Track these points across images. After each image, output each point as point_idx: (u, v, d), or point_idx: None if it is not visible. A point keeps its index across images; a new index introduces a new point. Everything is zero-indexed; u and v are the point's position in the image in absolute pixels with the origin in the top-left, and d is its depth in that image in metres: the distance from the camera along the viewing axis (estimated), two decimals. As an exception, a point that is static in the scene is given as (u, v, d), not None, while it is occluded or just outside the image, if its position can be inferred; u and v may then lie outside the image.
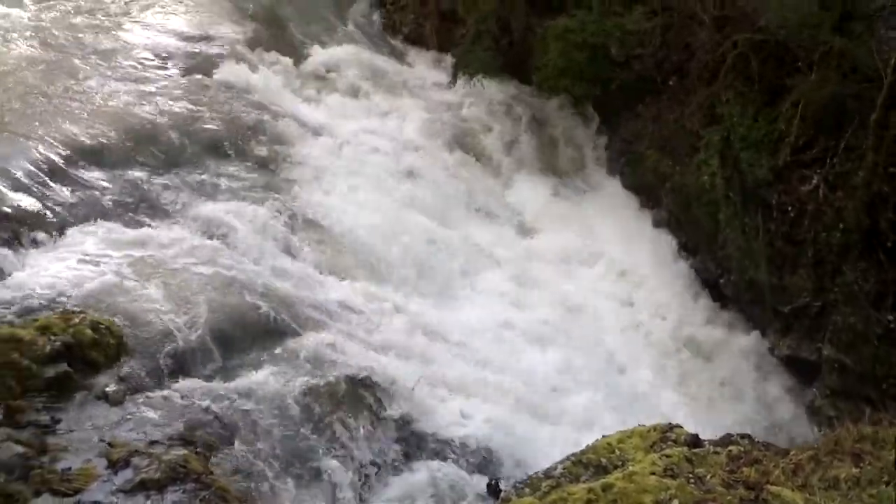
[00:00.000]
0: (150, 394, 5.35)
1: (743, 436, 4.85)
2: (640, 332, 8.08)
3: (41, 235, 6.73)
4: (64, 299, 5.92)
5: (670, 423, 4.87)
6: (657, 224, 9.40)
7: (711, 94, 8.90)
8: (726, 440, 4.74)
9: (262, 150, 9.07)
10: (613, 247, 9.06)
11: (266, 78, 10.96)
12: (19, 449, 4.62)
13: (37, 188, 7.28)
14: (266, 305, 6.38)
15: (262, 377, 5.72)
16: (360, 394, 5.76)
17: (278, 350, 6.06)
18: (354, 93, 11.41)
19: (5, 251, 6.33)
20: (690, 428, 4.85)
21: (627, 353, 7.71)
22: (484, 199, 9.75)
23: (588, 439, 4.88)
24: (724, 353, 7.95)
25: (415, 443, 5.72)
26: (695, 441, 4.62)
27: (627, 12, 9.90)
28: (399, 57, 12.62)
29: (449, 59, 11.93)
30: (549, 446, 5.77)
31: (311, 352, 6.03)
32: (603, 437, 4.76)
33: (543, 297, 8.09)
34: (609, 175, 10.36)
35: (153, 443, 4.88)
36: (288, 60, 11.78)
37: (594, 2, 10.09)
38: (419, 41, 12.96)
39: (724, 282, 8.58)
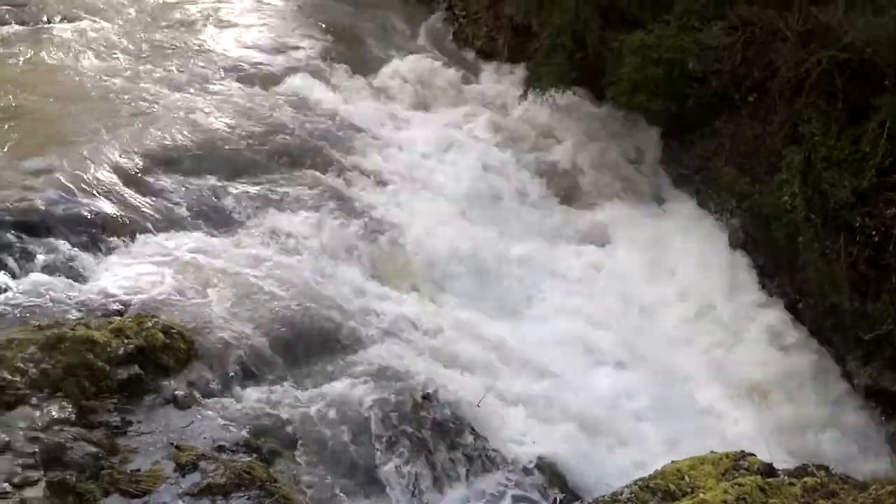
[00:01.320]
0: (217, 399, 5.50)
1: (819, 467, 4.72)
2: (713, 356, 7.91)
3: (117, 240, 7.01)
4: (137, 303, 6.14)
5: (743, 451, 4.77)
6: (733, 244, 9.20)
7: (793, 111, 8.71)
8: (802, 471, 4.62)
9: (331, 162, 9.23)
10: (686, 266, 8.90)
11: (337, 90, 11.20)
12: (91, 449, 4.80)
13: (113, 194, 7.59)
14: (331, 316, 6.50)
15: (326, 387, 5.81)
16: (424, 407, 5.78)
17: (342, 360, 6.15)
18: (425, 105, 11.55)
19: (84, 255, 6.62)
20: (764, 457, 4.74)
21: (699, 377, 7.56)
22: (553, 214, 9.72)
23: (656, 464, 4.81)
24: (800, 380, 7.72)
25: (477, 458, 5.71)
26: (769, 470, 4.52)
27: (706, 27, 9.77)
28: (471, 70, 12.71)
29: (521, 73, 11.94)
30: (615, 469, 5.71)
31: (374, 363, 6.09)
32: (672, 462, 4.69)
33: (613, 316, 8.00)
34: (683, 193, 10.20)
35: (219, 448, 5.02)
36: (360, 73, 12.01)
37: (672, 16, 9.98)
38: (491, 54, 13.02)
39: (802, 306, 8.36)
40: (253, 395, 5.58)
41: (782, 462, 4.87)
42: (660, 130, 10.64)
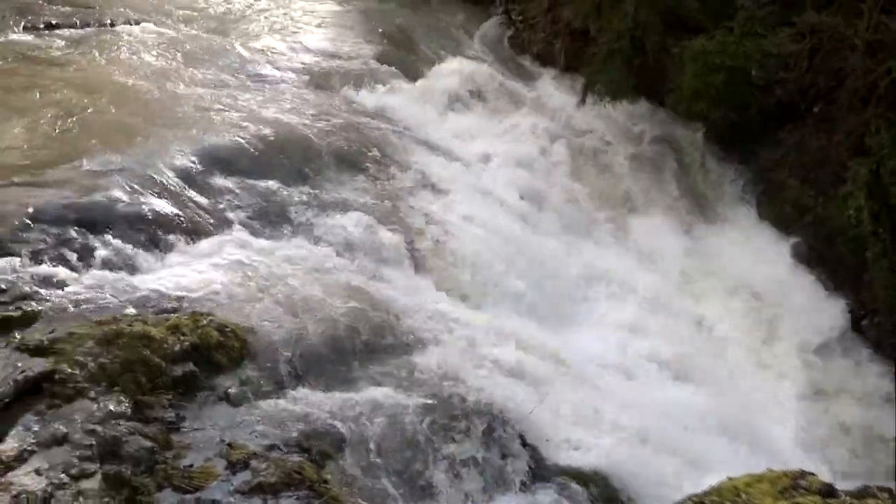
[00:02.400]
0: (269, 399, 5.57)
1: (882, 489, 4.59)
2: (775, 371, 7.77)
3: (174, 239, 7.14)
4: (192, 301, 6.24)
5: (802, 470, 4.66)
6: (796, 258, 9.04)
7: (861, 122, 8.53)
8: (864, 492, 4.50)
9: (385, 166, 9.32)
10: (747, 279, 8.77)
11: (393, 95, 11.30)
12: (146, 443, 4.90)
13: (172, 193, 7.74)
14: (383, 319, 6.55)
15: (376, 390, 5.85)
16: (475, 414, 5.78)
17: (393, 364, 6.19)
18: (480, 111, 11.59)
19: (142, 252, 6.76)
20: (825, 476, 4.64)
21: (760, 392, 7.43)
22: (609, 223, 9.67)
23: (711, 480, 4.74)
24: (865, 398, 7.54)
25: (529, 469, 5.69)
26: (829, 491, 4.42)
27: (771, 34, 9.64)
28: (527, 75, 12.72)
29: (578, 79, 11.91)
30: (669, 484, 5.63)
31: (426, 368, 6.12)
32: (728, 478, 4.61)
33: (670, 329, 7.92)
34: (744, 204, 10.05)
35: (271, 447, 5.08)
36: (416, 78, 12.13)
37: (735, 22, 9.85)
38: (548, 60, 13.02)
39: (867, 323, 8.18)
40: (304, 396, 5.64)
41: (843, 483, 4.75)
42: (720, 139, 10.49)
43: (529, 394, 6.25)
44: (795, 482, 4.52)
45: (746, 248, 9.19)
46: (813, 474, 4.63)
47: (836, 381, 7.64)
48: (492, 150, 10.31)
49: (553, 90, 12.18)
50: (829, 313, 8.40)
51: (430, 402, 5.78)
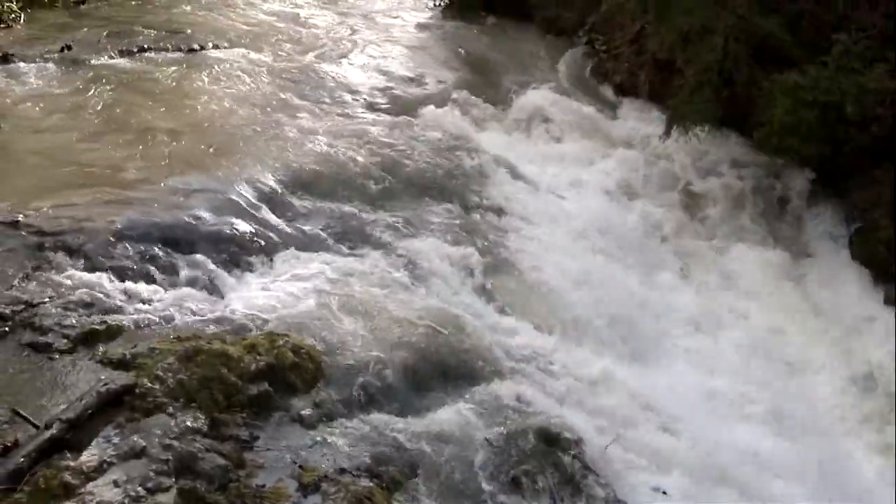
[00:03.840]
0: (341, 422, 5.65)
1: None
2: (866, 423, 7.48)
3: (254, 259, 7.37)
4: (269, 321, 6.41)
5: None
6: (890, 303, 8.72)
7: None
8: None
9: (463, 192, 9.40)
10: (837, 322, 8.49)
11: (471, 121, 11.43)
12: (221, 461, 5.03)
13: (253, 215, 7.99)
14: (458, 345, 6.57)
15: (450, 418, 5.86)
16: (547, 447, 5.72)
17: (467, 392, 6.19)
18: (559, 140, 11.60)
19: (222, 272, 6.99)
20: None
21: (849, 443, 7.16)
22: (692, 258, 9.52)
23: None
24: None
25: (603, 507, 5.63)
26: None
27: (868, 69, 9.40)
28: (609, 106, 12.68)
29: (663, 110, 11.80)
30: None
31: (499, 398, 6.11)
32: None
33: (754, 369, 7.71)
34: (834, 244, 9.76)
35: (342, 471, 5.15)
36: (495, 104, 12.23)
37: (830, 57, 9.65)
38: (631, 91, 12.94)
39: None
40: (376, 421, 5.70)
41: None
42: (811, 176, 10.25)
43: (606, 429, 6.17)
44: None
45: (837, 290, 8.90)
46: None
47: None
48: (572, 179, 10.29)
49: (636, 121, 12.08)
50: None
51: (503, 431, 5.76)
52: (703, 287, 9.10)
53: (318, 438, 5.44)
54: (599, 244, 9.02)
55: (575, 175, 10.41)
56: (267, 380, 5.74)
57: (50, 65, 11.31)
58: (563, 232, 9.08)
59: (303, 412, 5.63)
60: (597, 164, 10.79)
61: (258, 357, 5.85)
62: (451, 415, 5.89)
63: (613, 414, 6.46)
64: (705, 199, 10.32)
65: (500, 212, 9.19)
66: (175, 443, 5.01)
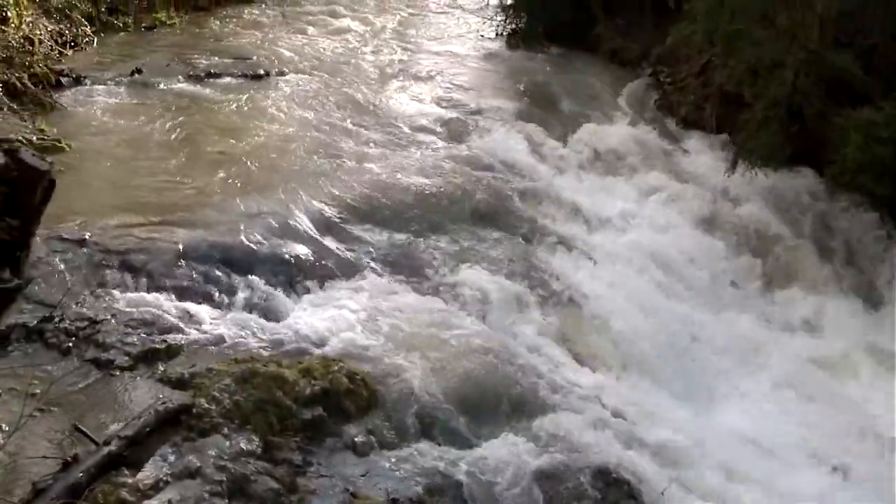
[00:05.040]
0: (393, 451, 5.69)
1: None
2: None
3: (311, 284, 7.50)
4: (325, 346, 6.51)
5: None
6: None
7: None
8: None
9: (520, 224, 9.40)
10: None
11: (530, 152, 11.42)
12: (273, 484, 5.12)
13: (311, 240, 8.14)
14: (513, 378, 6.57)
15: (502, 451, 5.84)
16: (602, 487, 5.67)
17: (521, 426, 6.17)
18: (621, 173, 11.53)
19: (280, 295, 7.14)
20: None
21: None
22: (756, 297, 9.36)
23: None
24: None
25: (659, 551, 5.54)
26: None
27: (946, 107, 9.21)
28: (673, 139, 12.59)
29: (729, 145, 11.69)
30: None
31: (553, 432, 6.06)
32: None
33: (819, 413, 7.51)
34: (910, 290, 9.49)
35: (394, 501, 5.19)
36: (556, 135, 12.20)
37: (906, 93, 9.48)
38: (696, 124, 12.83)
39: None
40: (429, 451, 5.72)
41: None
42: (886, 217, 10.03)
43: (663, 471, 6.08)
44: None
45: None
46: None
47: None
48: (633, 213, 10.22)
49: (701, 155, 11.96)
50: None
51: (556, 467, 5.73)
52: (767, 326, 8.92)
53: (371, 466, 5.49)
54: (660, 280, 8.92)
55: (636, 208, 10.34)
56: (321, 405, 5.83)
57: (120, 87, 11.76)
58: (623, 266, 9.01)
59: (356, 439, 5.69)
60: (659, 198, 10.69)
61: (313, 381, 5.94)
62: (503, 448, 5.88)
63: (670, 454, 6.35)
64: (771, 235, 10.14)
65: (558, 244, 9.16)
66: (229, 464, 5.12)
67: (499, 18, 17.56)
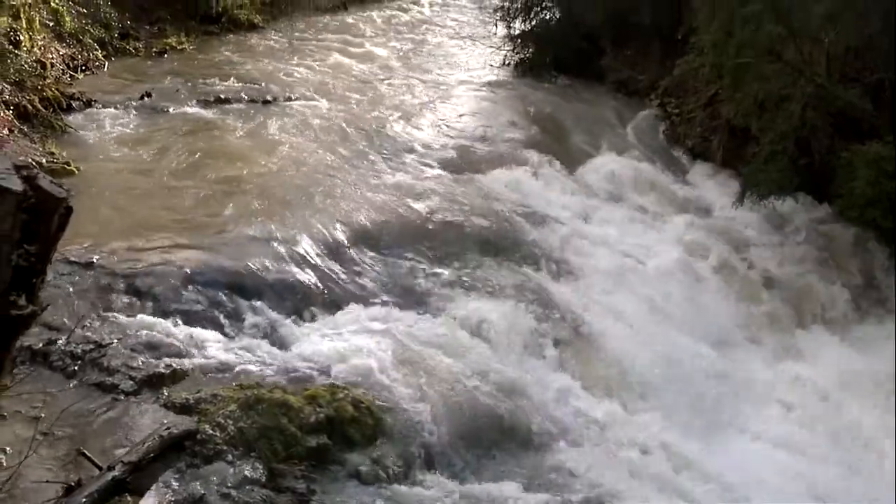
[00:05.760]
0: (398, 482, 5.65)
1: None
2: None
3: (317, 310, 7.51)
4: (331, 373, 6.48)
5: None
6: None
7: None
8: None
9: (528, 253, 9.38)
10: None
11: (538, 182, 11.45)
12: (277, 512, 5.08)
13: (317, 265, 8.15)
14: (519, 410, 6.54)
15: (508, 486, 5.81)
16: (610, 523, 5.65)
17: (527, 459, 6.16)
18: (628, 203, 11.55)
19: (286, 321, 7.13)
20: None
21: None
22: (759, 327, 9.33)
23: None
24: None
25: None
26: None
27: (954, 141, 9.26)
28: (680, 170, 12.64)
29: (736, 176, 11.73)
30: None
31: (561, 467, 6.05)
32: None
33: (831, 449, 7.46)
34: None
35: (398, 532, 5.15)
36: (564, 165, 12.24)
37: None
38: (704, 155, 12.91)
39: None
40: (434, 482, 5.69)
41: None
42: (891, 251, 10.04)
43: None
44: None
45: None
46: None
47: None
48: (642, 243, 10.20)
49: (708, 186, 12.01)
50: None
51: (564, 501, 5.68)
52: (773, 358, 8.87)
53: (375, 496, 5.46)
54: (670, 311, 8.88)
55: (644, 239, 10.33)
56: (326, 432, 5.81)
57: (130, 111, 11.83)
58: (632, 297, 8.98)
59: (360, 468, 5.65)
60: (667, 229, 10.70)
61: (318, 409, 5.92)
62: (509, 482, 5.86)
63: (682, 490, 6.30)
64: (780, 270, 10.12)
65: (565, 274, 9.15)
66: (233, 492, 5.09)
67: (507, 48, 17.71)
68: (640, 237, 10.41)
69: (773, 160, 10.50)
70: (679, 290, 9.29)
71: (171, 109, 12.17)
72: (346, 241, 8.72)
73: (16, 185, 3.22)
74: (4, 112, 9.55)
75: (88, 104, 11.80)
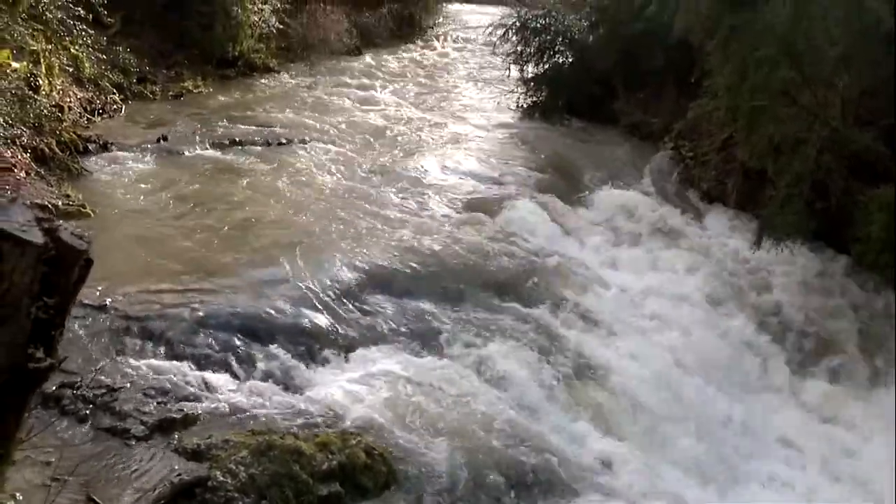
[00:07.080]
0: (411, 531, 5.59)
1: None
2: None
3: (329, 354, 7.47)
4: (343, 419, 6.43)
5: None
6: None
7: None
8: None
9: (540, 296, 9.34)
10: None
11: (551, 222, 11.48)
12: (287, 564, 5.01)
13: (330, 308, 8.13)
14: (535, 457, 6.45)
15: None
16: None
17: (544, 507, 6.07)
18: (641, 245, 11.54)
19: (299, 365, 7.10)
20: None
21: None
22: (779, 375, 9.21)
23: None
24: None
25: None
26: None
27: (972, 185, 9.19)
28: (694, 213, 12.62)
29: (751, 220, 11.68)
30: None
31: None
32: None
33: (850, 498, 7.32)
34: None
35: (410, 584, 5.06)
36: (577, 207, 12.31)
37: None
38: (719, 198, 12.89)
39: None
40: (447, 534, 5.61)
41: None
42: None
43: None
44: None
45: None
46: None
47: None
48: (656, 287, 10.15)
49: (722, 230, 11.97)
50: None
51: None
52: (793, 409, 8.75)
53: (387, 547, 5.36)
54: (683, 357, 8.79)
55: (659, 283, 10.28)
56: (338, 480, 5.75)
57: (146, 154, 11.96)
58: (645, 341, 8.91)
59: (372, 518, 5.58)
60: (682, 273, 10.65)
61: (330, 456, 5.86)
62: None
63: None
64: (797, 315, 10.02)
65: (579, 317, 9.09)
66: (244, 543, 5.02)
67: (520, 91, 17.85)
68: (654, 280, 10.36)
69: (790, 203, 10.43)
70: (693, 335, 9.21)
71: (186, 152, 12.30)
72: (358, 284, 8.71)
73: (37, 237, 3.21)
74: (22, 155, 9.65)
75: (105, 147, 11.93)
